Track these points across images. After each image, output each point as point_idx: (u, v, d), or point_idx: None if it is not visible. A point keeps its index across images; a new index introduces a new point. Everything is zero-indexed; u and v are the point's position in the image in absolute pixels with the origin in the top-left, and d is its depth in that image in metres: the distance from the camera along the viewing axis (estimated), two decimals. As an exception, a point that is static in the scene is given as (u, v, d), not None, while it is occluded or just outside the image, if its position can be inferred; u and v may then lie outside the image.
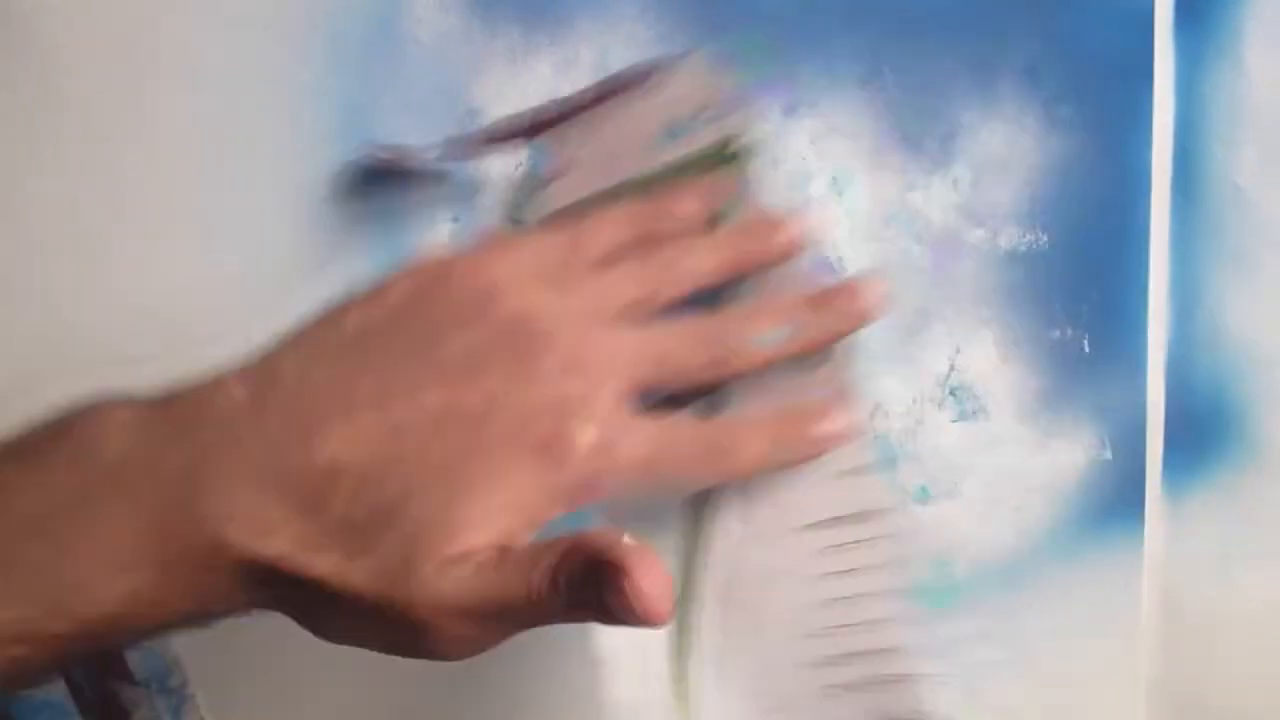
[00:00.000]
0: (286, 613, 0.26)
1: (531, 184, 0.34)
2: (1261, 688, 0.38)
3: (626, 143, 0.33)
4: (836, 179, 0.37)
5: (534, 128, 0.34)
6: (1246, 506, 0.38)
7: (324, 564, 0.24)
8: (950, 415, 0.37)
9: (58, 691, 0.37)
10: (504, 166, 0.36)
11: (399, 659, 0.25)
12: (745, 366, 0.29)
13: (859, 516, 0.30)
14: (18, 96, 0.36)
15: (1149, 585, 0.38)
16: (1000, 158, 0.37)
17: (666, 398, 0.29)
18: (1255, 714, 0.39)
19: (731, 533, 0.31)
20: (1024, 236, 0.37)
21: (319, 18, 0.36)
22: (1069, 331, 0.37)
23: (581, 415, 0.26)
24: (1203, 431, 0.38)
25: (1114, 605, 0.38)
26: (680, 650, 0.31)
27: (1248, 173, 0.37)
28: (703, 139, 0.32)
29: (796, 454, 0.29)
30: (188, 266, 0.36)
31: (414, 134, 0.36)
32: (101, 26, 0.36)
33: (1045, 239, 0.37)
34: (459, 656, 0.25)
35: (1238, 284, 0.37)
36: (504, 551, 0.24)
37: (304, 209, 0.36)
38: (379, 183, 0.36)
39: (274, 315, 0.36)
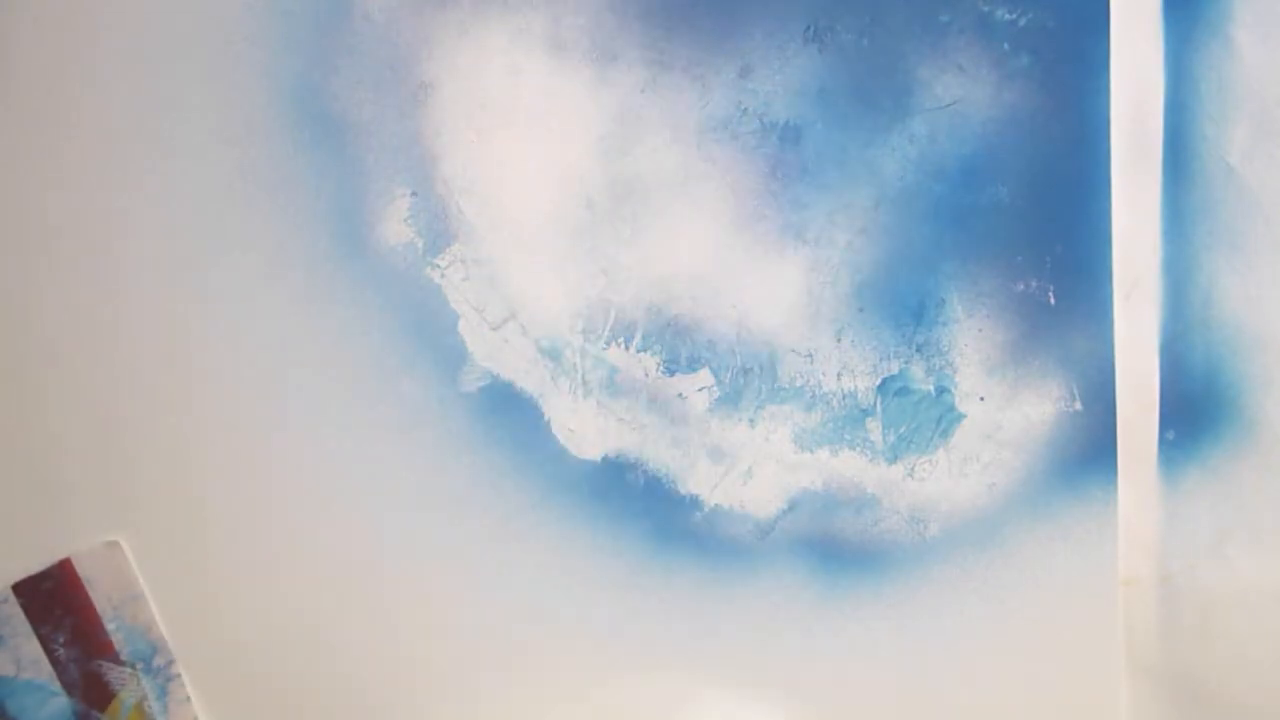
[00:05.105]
0: None
1: None
2: (1259, 669, 0.38)
3: None
4: (794, 137, 0.37)
5: None
6: (1242, 487, 0.38)
7: None
8: (917, 371, 0.38)
9: (43, 674, 0.38)
10: (459, 138, 0.36)
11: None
12: None
13: None
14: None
15: (1146, 569, 0.38)
16: (956, 111, 0.37)
17: None
18: (1253, 695, 0.38)
19: None
20: (983, 189, 0.37)
21: (272, -3, 0.36)
22: (1033, 284, 0.37)
23: None
24: (1197, 412, 0.37)
25: (1088, 558, 0.38)
26: None
27: (1240, 152, 0.36)
28: None
29: None
30: (136, 246, 0.37)
31: (367, 108, 0.36)
32: (49, 4, 0.36)
33: (1005, 191, 0.37)
34: None
35: (1231, 265, 0.37)
36: None
37: (258, 187, 0.37)
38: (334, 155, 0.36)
39: (224, 293, 0.37)
